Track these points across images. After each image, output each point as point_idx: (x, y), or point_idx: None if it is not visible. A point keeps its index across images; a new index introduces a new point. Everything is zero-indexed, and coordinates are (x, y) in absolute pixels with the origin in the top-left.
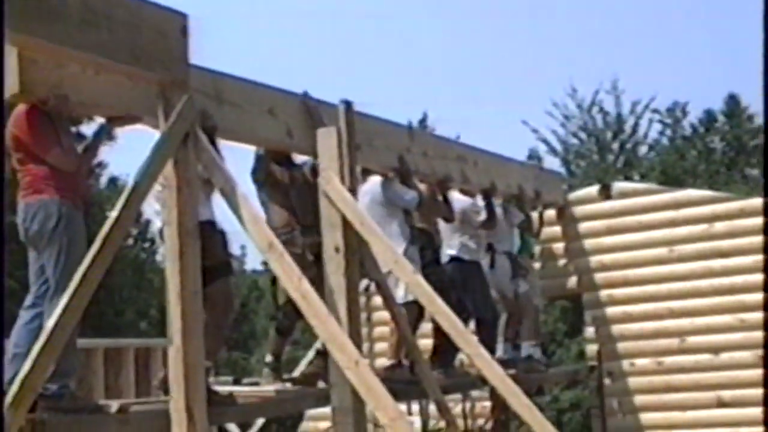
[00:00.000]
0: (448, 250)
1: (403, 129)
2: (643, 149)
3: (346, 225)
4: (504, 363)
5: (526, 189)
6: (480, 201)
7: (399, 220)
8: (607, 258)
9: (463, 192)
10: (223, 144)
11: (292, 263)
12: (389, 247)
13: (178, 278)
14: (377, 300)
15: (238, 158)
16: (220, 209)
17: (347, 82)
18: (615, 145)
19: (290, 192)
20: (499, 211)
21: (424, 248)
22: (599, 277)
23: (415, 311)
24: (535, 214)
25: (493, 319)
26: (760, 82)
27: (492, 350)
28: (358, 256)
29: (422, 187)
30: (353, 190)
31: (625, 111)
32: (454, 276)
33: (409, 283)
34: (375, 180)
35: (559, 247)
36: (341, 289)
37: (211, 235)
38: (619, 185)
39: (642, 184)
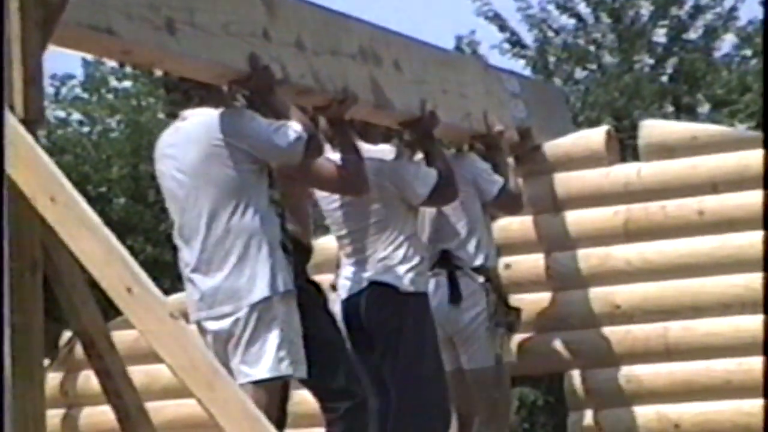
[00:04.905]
0: (362, 270)
1: None
2: (723, 45)
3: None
4: None
5: (497, 120)
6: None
7: (264, 196)
8: (625, 291)
9: (366, 136)
10: None
11: None
12: (116, 253)
13: None
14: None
15: None
16: None
17: None
18: (659, 34)
19: None
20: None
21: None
22: (609, 335)
23: (277, 397)
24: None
25: (444, 426)
26: None
27: None
28: (42, 272)
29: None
30: (36, 121)
31: None
32: (372, 326)
33: (146, 332)
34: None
35: (525, 261)
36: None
37: None
38: (656, 126)
39: (708, 125)
